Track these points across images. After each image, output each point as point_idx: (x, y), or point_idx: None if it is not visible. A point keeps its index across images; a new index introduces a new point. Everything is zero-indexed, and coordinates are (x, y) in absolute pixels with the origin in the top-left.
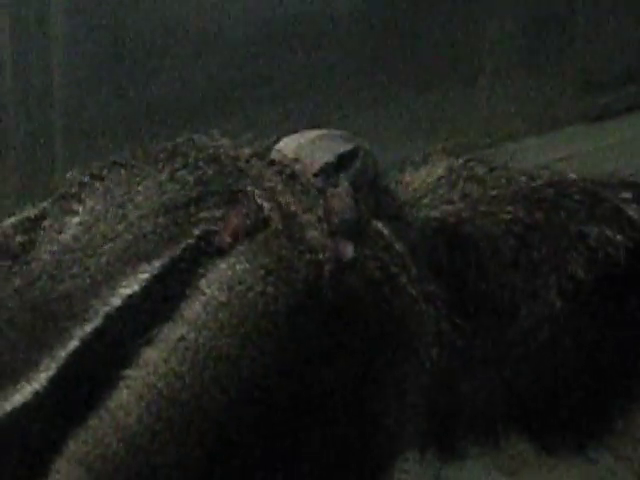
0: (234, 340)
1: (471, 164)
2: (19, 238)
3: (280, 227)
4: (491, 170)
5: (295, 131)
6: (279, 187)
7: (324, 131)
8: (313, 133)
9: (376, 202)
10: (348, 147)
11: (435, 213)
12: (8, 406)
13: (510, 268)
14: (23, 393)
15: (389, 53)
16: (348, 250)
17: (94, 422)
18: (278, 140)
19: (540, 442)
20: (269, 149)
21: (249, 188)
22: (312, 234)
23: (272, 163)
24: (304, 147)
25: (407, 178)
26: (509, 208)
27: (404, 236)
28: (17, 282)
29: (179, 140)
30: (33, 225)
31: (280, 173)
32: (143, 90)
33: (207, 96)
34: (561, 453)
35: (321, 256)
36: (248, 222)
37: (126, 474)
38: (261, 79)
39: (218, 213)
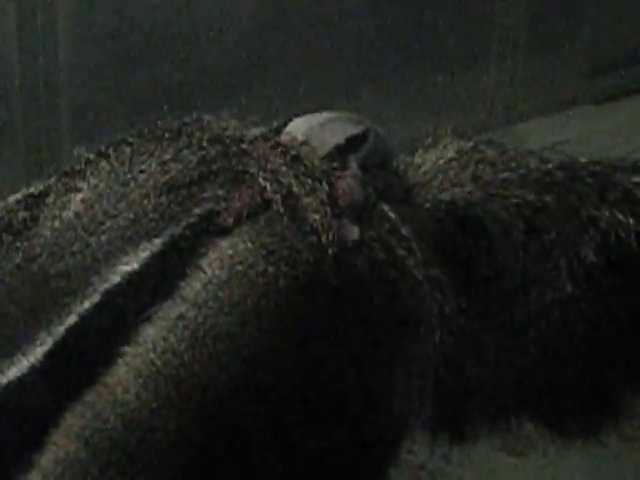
0: (234, 319)
1: (482, 146)
2: (22, 214)
3: (282, 209)
4: (502, 153)
5: (304, 113)
6: (282, 169)
7: (334, 113)
8: (323, 115)
9: (384, 184)
10: (358, 130)
11: (445, 196)
12: (4, 379)
13: (520, 251)
14: (20, 367)
15: (397, 36)
16: (353, 232)
17: (92, 397)
18: (288, 122)
19: (552, 427)
20: (278, 131)
21: (253, 169)
22: (314, 216)
23: (276, 145)
24: (314, 129)
25: (417, 160)
26: (519, 191)
27: (411, 219)
28: (18, 258)
29: (186, 120)
30: (36, 201)
31: (284, 155)
32: (149, 72)
33: (214, 78)
34: (574, 437)
35: (324, 238)
36: (251, 203)
37: (123, 449)
38: (267, 62)
39: (221, 192)
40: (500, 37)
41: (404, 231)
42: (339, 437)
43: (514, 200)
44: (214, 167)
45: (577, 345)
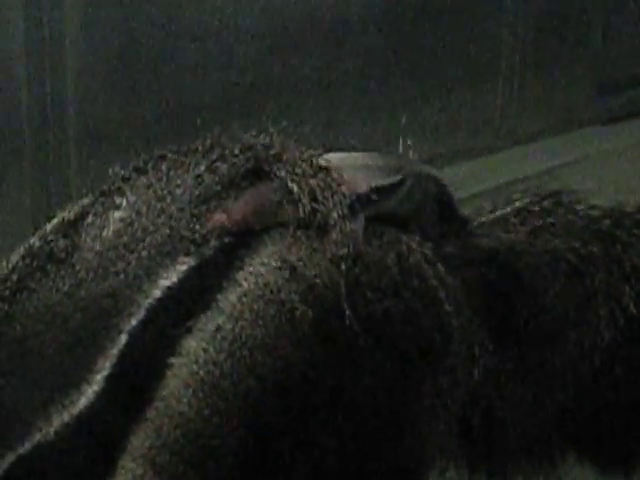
0: (269, 331)
1: (538, 199)
2: (62, 242)
3: (308, 210)
4: (554, 203)
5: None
6: (310, 173)
7: (373, 158)
8: (359, 158)
9: (427, 227)
10: (388, 180)
11: (490, 241)
12: (75, 410)
13: (562, 296)
14: (87, 396)
15: (402, 58)
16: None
17: (151, 414)
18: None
19: (596, 461)
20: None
21: (281, 172)
22: (335, 222)
23: (304, 153)
24: (343, 170)
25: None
26: (565, 237)
27: (450, 260)
28: (66, 286)
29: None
30: (75, 227)
31: (311, 163)
32: (155, 95)
33: (219, 100)
34: (615, 469)
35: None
36: (274, 201)
37: (187, 462)
38: (272, 83)
39: (243, 187)
40: (507, 58)
41: (439, 267)
42: (361, 455)
43: (560, 245)
44: (242, 170)
45: (616, 385)
